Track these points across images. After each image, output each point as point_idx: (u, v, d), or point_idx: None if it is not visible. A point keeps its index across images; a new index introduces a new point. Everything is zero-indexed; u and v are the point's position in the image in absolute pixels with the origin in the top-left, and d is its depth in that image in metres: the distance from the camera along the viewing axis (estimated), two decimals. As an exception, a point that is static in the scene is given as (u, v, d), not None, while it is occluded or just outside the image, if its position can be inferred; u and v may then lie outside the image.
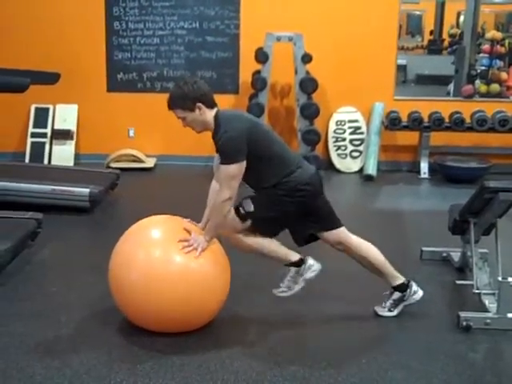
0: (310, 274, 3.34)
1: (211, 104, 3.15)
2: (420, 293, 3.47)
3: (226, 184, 3.07)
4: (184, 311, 3.07)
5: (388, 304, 3.46)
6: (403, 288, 3.44)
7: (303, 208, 3.27)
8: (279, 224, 3.33)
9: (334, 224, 3.40)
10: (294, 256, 3.35)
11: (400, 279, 3.45)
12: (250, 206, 3.20)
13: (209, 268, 3.13)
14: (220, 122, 3.12)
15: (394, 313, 3.45)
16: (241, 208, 3.21)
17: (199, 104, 3.09)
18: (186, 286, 3.04)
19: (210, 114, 3.14)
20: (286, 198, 3.20)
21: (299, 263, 3.34)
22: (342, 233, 3.42)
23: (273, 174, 3.19)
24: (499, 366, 3.08)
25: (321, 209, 3.36)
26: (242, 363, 2.98)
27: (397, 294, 3.45)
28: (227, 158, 3.06)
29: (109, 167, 6.77)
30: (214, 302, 3.20)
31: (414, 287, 3.47)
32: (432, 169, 6.91)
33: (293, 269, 3.35)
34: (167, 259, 3.09)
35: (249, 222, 3.22)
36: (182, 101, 3.09)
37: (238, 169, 3.06)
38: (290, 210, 3.25)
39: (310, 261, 3.35)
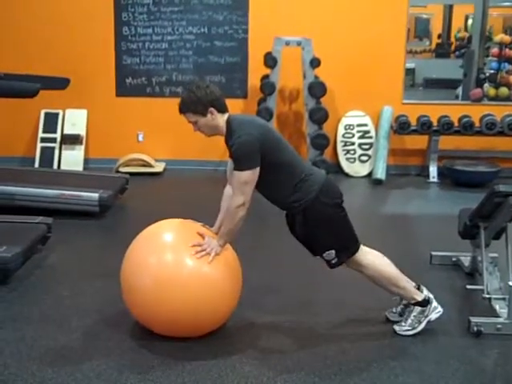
0: (434, 316, 3.31)
1: (223, 109, 3.13)
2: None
3: (240, 190, 3.04)
4: (195, 315, 3.07)
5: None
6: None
7: (339, 208, 3.24)
8: (349, 226, 3.26)
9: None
10: (419, 295, 3.31)
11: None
12: (330, 254, 3.19)
13: (220, 272, 3.12)
14: (233, 127, 3.10)
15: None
16: (331, 262, 3.21)
17: (211, 109, 3.08)
18: (197, 291, 3.04)
19: (221, 119, 3.12)
20: (318, 210, 3.15)
21: (424, 303, 3.30)
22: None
23: (284, 181, 3.15)
24: (510, 372, 3.06)
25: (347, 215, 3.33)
26: (253, 368, 2.98)
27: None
28: (241, 163, 3.04)
29: (118, 172, 6.79)
30: (226, 306, 3.20)
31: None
32: (441, 173, 6.89)
33: (417, 308, 3.30)
34: (179, 263, 3.08)
35: (348, 256, 3.21)
36: (194, 105, 3.07)
37: (251, 175, 3.03)
38: (335, 214, 3.20)
39: (435, 303, 3.34)
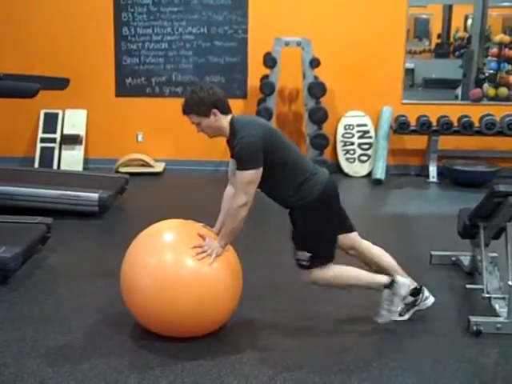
0: (403, 291, 3.32)
1: (226, 110, 3.14)
2: (431, 299, 3.46)
3: (243, 190, 3.05)
4: (195, 316, 3.07)
5: (399, 308, 3.44)
6: (415, 293, 3.43)
7: (333, 212, 3.26)
8: (333, 238, 3.31)
9: (349, 228, 3.42)
10: (383, 278, 3.34)
11: (412, 284, 3.45)
12: (304, 254, 3.21)
13: (221, 273, 3.12)
14: (236, 127, 3.10)
15: (405, 317, 3.44)
16: (301, 262, 3.23)
17: (214, 110, 3.08)
18: (197, 291, 3.03)
19: (224, 120, 3.13)
20: (316, 212, 3.17)
21: (391, 284, 3.31)
22: (356, 237, 3.44)
23: (288, 180, 3.16)
24: (510, 371, 3.06)
25: (338, 213, 3.35)
26: (253, 368, 2.98)
27: (409, 299, 3.43)
28: (244, 163, 3.04)
29: (118, 172, 6.79)
30: (226, 307, 3.20)
31: (426, 293, 3.46)
32: (440, 173, 6.90)
33: (386, 291, 3.31)
34: (179, 264, 3.08)
35: (319, 265, 3.23)
36: (198, 106, 3.07)
37: (254, 175, 3.04)
38: (328, 221, 3.23)
39: (399, 278, 3.35)
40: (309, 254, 3.21)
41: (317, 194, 3.15)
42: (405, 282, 3.31)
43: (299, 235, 3.26)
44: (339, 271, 3.30)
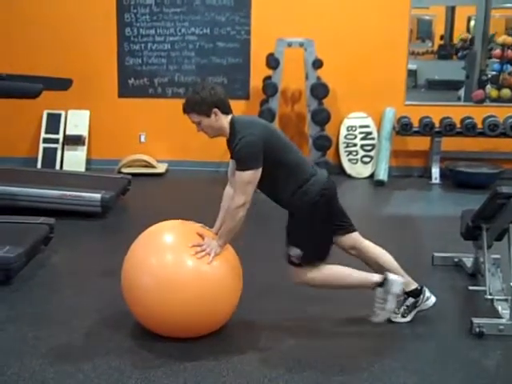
0: (397, 288, 3.31)
1: (227, 110, 3.14)
2: (433, 299, 3.46)
3: (241, 190, 3.05)
4: (196, 316, 3.07)
5: (401, 310, 3.45)
6: (417, 293, 3.44)
7: (332, 211, 3.27)
8: (330, 239, 3.32)
9: (349, 228, 3.42)
10: (375, 277, 3.34)
11: (413, 285, 3.45)
12: (296, 251, 3.20)
13: (221, 273, 3.12)
14: (236, 128, 3.11)
15: (408, 319, 3.44)
16: (292, 259, 3.22)
17: (215, 109, 3.09)
18: (198, 291, 3.03)
19: (225, 120, 3.13)
20: (314, 211, 3.17)
21: (383, 283, 3.30)
22: (357, 237, 3.44)
23: (288, 181, 3.17)
24: (512, 373, 3.06)
25: (337, 213, 3.35)
26: (254, 368, 2.98)
27: (410, 300, 3.44)
28: (243, 164, 3.05)
29: (120, 172, 6.80)
30: (227, 306, 3.20)
31: (427, 293, 3.46)
32: (443, 174, 6.89)
33: (379, 290, 3.30)
34: (180, 264, 3.08)
35: (310, 264, 3.23)
36: (199, 106, 3.08)
37: (253, 175, 3.05)
38: (325, 221, 3.23)
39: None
40: (300, 252, 3.20)
41: (315, 194, 3.15)
42: (397, 280, 3.29)
43: (294, 231, 3.25)
44: (330, 272, 3.29)
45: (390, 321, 3.43)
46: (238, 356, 3.09)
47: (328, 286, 3.36)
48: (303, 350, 3.19)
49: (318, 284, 3.32)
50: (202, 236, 3.16)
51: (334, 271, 3.30)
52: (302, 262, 3.23)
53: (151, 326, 3.21)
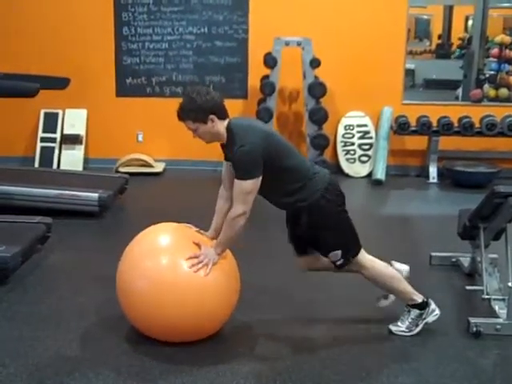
0: (432, 319, 3.30)
1: (224, 115, 3.05)
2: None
3: (241, 199, 2.97)
4: (192, 320, 3.04)
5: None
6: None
7: (342, 207, 3.24)
8: (352, 225, 3.27)
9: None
10: (419, 297, 3.31)
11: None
12: (337, 255, 3.18)
13: (218, 276, 3.07)
14: (234, 134, 3.01)
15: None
16: (337, 263, 3.20)
17: (212, 116, 2.99)
18: (194, 295, 3.00)
19: (222, 126, 3.03)
20: (327, 207, 3.13)
21: (422, 305, 3.30)
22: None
23: (288, 184, 3.12)
24: (509, 372, 3.06)
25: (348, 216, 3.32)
26: (252, 370, 2.97)
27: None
28: (244, 173, 2.97)
29: (118, 172, 6.79)
30: (223, 310, 3.17)
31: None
32: (441, 173, 6.89)
33: (415, 311, 3.29)
34: (175, 267, 3.04)
35: (354, 254, 3.22)
36: (195, 113, 2.97)
37: (254, 184, 2.97)
38: (341, 208, 3.21)
39: (433, 305, 3.34)
40: (339, 251, 3.17)
41: (320, 192, 3.11)
42: (437, 313, 3.31)
43: (321, 237, 3.21)
44: (373, 260, 3.27)
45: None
46: (236, 358, 3.08)
47: (378, 275, 3.28)
48: (301, 352, 3.18)
49: (373, 271, 3.26)
50: (198, 245, 3.09)
51: (375, 264, 3.28)
52: (347, 259, 3.19)
53: (146, 331, 3.17)
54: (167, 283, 3.01)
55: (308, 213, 3.14)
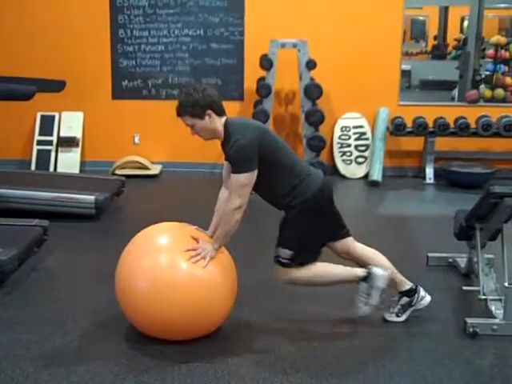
0: (381, 283, 3.30)
1: (221, 112, 3.12)
2: (428, 298, 3.47)
3: (237, 192, 3.03)
4: (190, 319, 3.05)
5: (396, 309, 3.46)
6: (411, 293, 3.44)
7: (326, 215, 3.26)
8: (320, 241, 3.32)
9: (345, 234, 3.40)
10: (360, 271, 3.32)
11: (407, 284, 3.45)
12: (286, 253, 3.20)
13: (215, 275, 3.10)
14: (230, 130, 3.08)
15: (402, 318, 3.45)
16: (281, 259, 3.22)
17: (209, 111, 3.06)
18: (192, 294, 3.02)
19: (219, 122, 3.11)
20: (305, 211, 3.16)
21: (367, 277, 3.29)
22: (350, 242, 3.41)
23: (282, 182, 3.16)
24: (506, 372, 3.06)
25: (332, 217, 3.34)
26: (249, 370, 2.98)
27: (404, 300, 3.45)
28: (239, 167, 3.02)
29: (114, 174, 6.79)
30: (221, 309, 3.18)
31: (422, 292, 3.46)
32: (437, 174, 6.91)
33: (363, 284, 3.30)
34: (174, 267, 3.06)
35: (298, 264, 3.22)
36: (192, 108, 3.05)
37: (249, 178, 3.03)
38: (318, 222, 3.23)
39: (374, 269, 3.34)
40: (291, 252, 3.20)
41: (311, 194, 3.15)
42: (382, 274, 3.28)
43: (285, 233, 3.24)
44: (316, 270, 3.28)
45: (384, 320, 3.46)
46: (233, 358, 3.08)
47: (313, 284, 3.34)
48: (298, 352, 3.18)
49: (304, 282, 3.31)
50: (196, 239, 3.14)
51: (319, 269, 3.29)
52: (291, 263, 3.22)
53: (145, 329, 3.19)
54: (166, 282, 3.01)
55: (294, 211, 3.17)
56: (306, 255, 3.26)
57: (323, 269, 3.31)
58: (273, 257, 3.28)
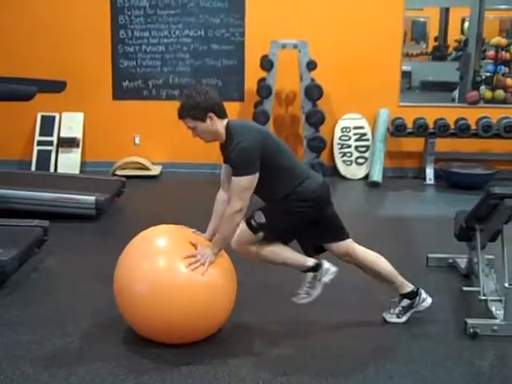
0: (327, 278, 3.31)
1: (222, 114, 3.11)
2: (429, 300, 3.47)
3: (238, 196, 3.01)
4: (190, 322, 3.03)
5: (397, 311, 3.46)
6: (412, 295, 3.43)
7: (313, 218, 3.26)
8: (290, 234, 3.32)
9: (342, 236, 3.38)
10: (310, 261, 3.32)
11: (409, 287, 3.45)
12: (261, 218, 3.18)
13: (215, 277, 3.08)
14: (232, 132, 3.08)
15: (403, 319, 3.44)
16: (252, 220, 3.19)
17: (211, 114, 3.05)
18: (191, 296, 3.00)
19: (221, 124, 3.09)
20: (297, 208, 3.18)
21: (315, 268, 3.31)
22: (350, 244, 3.40)
23: (283, 185, 3.16)
24: (506, 373, 3.06)
25: (329, 219, 3.34)
26: (249, 371, 2.98)
27: (406, 302, 3.44)
28: (240, 169, 3.02)
29: (115, 175, 6.79)
30: (221, 311, 3.17)
31: (423, 295, 3.46)
32: (437, 175, 6.91)
33: (310, 274, 3.32)
34: (172, 269, 3.04)
35: (261, 234, 3.20)
36: (194, 110, 3.03)
37: (250, 181, 3.02)
38: (301, 220, 3.24)
39: (326, 264, 3.33)
40: (265, 221, 3.17)
41: (306, 196, 3.16)
42: (331, 269, 3.31)
43: (274, 209, 3.21)
44: (272, 249, 3.25)
45: (384, 321, 3.45)
46: (233, 359, 3.08)
47: (263, 259, 3.30)
48: (298, 353, 3.18)
49: (254, 258, 3.28)
50: (194, 245, 3.11)
51: (275, 249, 3.27)
52: (259, 231, 3.19)
53: (144, 332, 3.17)
54: (165, 285, 3.00)
55: (286, 204, 3.18)
56: (276, 234, 3.24)
57: (278, 250, 3.28)
58: (246, 216, 3.22)
